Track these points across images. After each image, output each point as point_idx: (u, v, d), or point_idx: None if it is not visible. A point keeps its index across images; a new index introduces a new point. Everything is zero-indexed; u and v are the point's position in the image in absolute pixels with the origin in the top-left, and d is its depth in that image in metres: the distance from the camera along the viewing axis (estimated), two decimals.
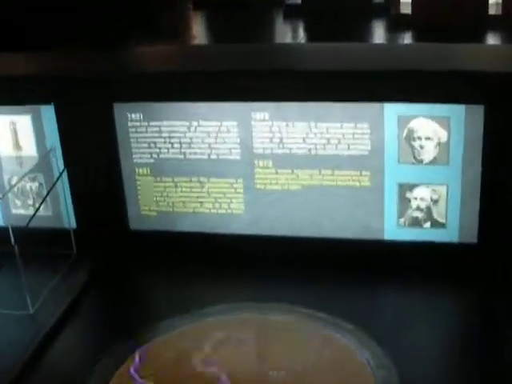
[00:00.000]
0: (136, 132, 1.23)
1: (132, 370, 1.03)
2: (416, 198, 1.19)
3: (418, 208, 1.19)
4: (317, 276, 1.21)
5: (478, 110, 1.12)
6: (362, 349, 1.04)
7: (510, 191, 1.14)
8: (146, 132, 1.23)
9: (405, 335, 1.08)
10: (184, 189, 1.26)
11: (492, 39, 4.22)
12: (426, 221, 1.20)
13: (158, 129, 1.22)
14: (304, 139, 1.19)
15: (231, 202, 1.25)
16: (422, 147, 1.16)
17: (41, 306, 1.18)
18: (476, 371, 1.01)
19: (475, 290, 1.17)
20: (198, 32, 3.97)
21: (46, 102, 1.25)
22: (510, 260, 1.16)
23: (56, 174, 1.27)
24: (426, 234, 1.20)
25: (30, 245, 1.13)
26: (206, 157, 1.23)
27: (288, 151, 1.20)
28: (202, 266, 1.25)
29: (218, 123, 1.21)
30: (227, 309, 1.13)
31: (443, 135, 1.14)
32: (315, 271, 1.21)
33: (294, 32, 5.04)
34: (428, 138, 1.15)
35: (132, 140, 1.24)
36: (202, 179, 1.25)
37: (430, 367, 1.02)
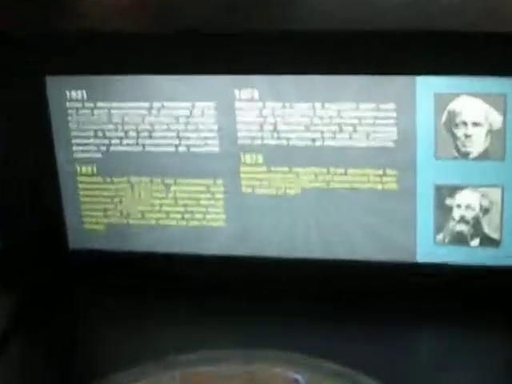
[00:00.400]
0: (77, 115, 1.02)
1: None
2: (460, 206, 0.98)
3: (463, 219, 0.99)
4: (322, 313, 1.00)
5: None
6: None
7: None
8: (92, 116, 1.02)
9: None
10: (143, 193, 1.05)
11: None
12: (473, 237, 0.99)
13: (107, 111, 1.01)
14: (307, 126, 0.98)
15: (207, 212, 1.04)
16: (467, 136, 0.95)
17: None
18: None
19: None
20: None
21: None
22: None
23: None
24: (473, 254, 1.00)
25: None
26: (172, 149, 1.02)
27: (285, 142, 0.99)
28: (168, 299, 1.05)
29: (190, 104, 1.00)
30: (202, 359, 0.91)
31: (497, 120, 0.93)
32: (320, 306, 1.01)
33: None
34: (476, 124, 0.95)
35: (72, 127, 1.03)
36: (167, 180, 1.04)
37: None
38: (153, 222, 1.06)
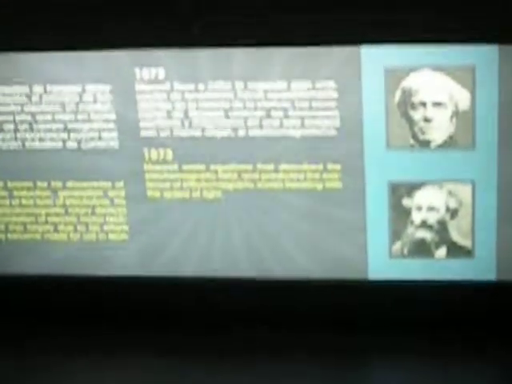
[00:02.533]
0: None
1: None
2: (420, 208, 0.85)
3: (425, 224, 0.85)
4: (257, 348, 0.84)
5: None
6: None
7: None
8: None
9: None
10: (24, 201, 0.90)
11: None
12: (438, 246, 0.85)
13: None
14: (226, 111, 0.83)
15: (106, 223, 0.88)
16: (427, 120, 0.84)
17: None
18: None
19: None
20: None
21: None
22: None
23: None
24: (438, 268, 0.86)
25: None
26: (59, 145, 0.87)
27: (199, 133, 0.85)
28: (60, 336, 0.88)
29: (79, 87, 0.85)
30: None
31: (464, 98, 0.81)
32: (254, 338, 0.86)
33: None
34: (438, 105, 0.83)
35: None
36: (54, 184, 0.89)
37: None
38: (37, 237, 0.91)
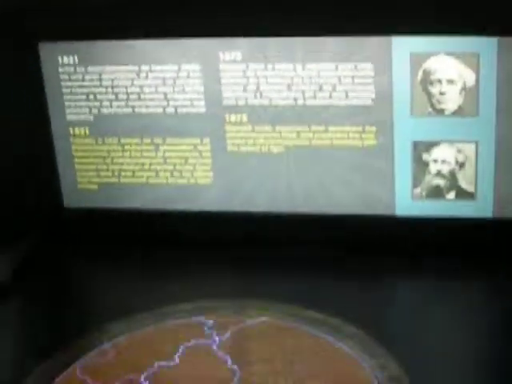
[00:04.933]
0: (70, 80, 1.06)
1: None
2: (436, 161, 1.02)
3: (439, 174, 1.03)
4: (307, 263, 1.05)
5: None
6: (365, 355, 0.88)
7: None
8: (83, 80, 1.06)
9: (419, 341, 0.92)
10: (133, 153, 1.08)
11: None
12: (449, 190, 1.03)
13: (97, 76, 1.06)
14: (288, 86, 1.02)
15: (195, 170, 1.06)
16: (442, 94, 1.00)
17: None
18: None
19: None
20: None
21: None
22: None
23: None
24: (449, 207, 1.04)
25: None
26: (160, 110, 1.05)
27: (267, 102, 1.03)
28: (159, 254, 1.08)
29: (176, 67, 1.03)
30: (193, 309, 0.95)
31: (470, 77, 0.98)
32: (305, 257, 1.06)
33: None
34: (451, 82, 0.99)
35: (65, 91, 1.08)
36: (156, 140, 1.07)
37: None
38: (143, 180, 1.08)
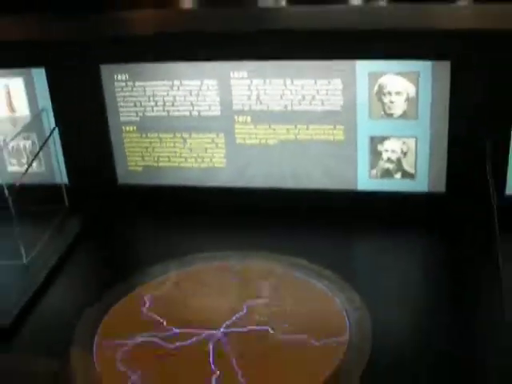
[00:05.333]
0: (122, 91, 1.23)
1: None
2: (387, 151, 1.19)
3: (389, 160, 1.19)
4: (295, 225, 1.22)
5: (445, 66, 1.11)
6: (338, 293, 1.04)
7: (474, 144, 1.13)
8: (132, 91, 1.23)
9: (377, 279, 1.08)
10: (168, 144, 1.26)
11: None
12: (396, 172, 1.20)
13: (142, 88, 1.22)
14: (281, 96, 1.19)
15: (213, 157, 1.25)
16: (391, 102, 1.16)
17: (34, 257, 1.18)
18: (439, 310, 1.02)
19: (443, 236, 1.17)
20: None
21: (37, 65, 1.25)
22: (475, 208, 1.15)
23: (48, 134, 1.27)
24: (396, 184, 1.21)
25: (25, 200, 1.15)
26: (188, 113, 1.23)
27: (266, 107, 1.20)
28: (187, 217, 1.26)
29: (199, 82, 1.21)
30: (211, 256, 1.14)
31: (412, 90, 1.14)
32: (293, 221, 1.22)
33: None
34: (398, 93, 1.15)
35: (119, 99, 1.24)
36: (184, 135, 1.25)
37: (398, 309, 1.03)
38: (175, 164, 1.27)
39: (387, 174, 1.20)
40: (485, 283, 1.05)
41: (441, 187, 1.18)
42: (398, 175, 1.20)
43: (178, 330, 0.99)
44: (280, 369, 0.93)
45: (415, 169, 1.18)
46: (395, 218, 1.20)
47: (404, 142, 1.17)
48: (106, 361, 0.96)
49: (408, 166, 1.18)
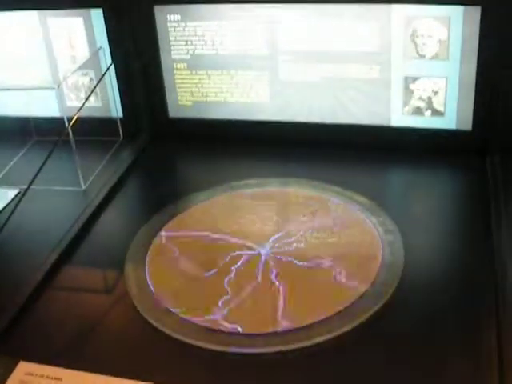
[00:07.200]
0: (174, 31, 1.28)
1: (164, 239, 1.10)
2: (419, 89, 1.22)
3: (420, 98, 1.22)
4: (333, 157, 1.26)
5: (476, 11, 1.13)
6: (372, 217, 1.09)
7: (501, 86, 1.16)
8: (183, 31, 1.27)
9: (410, 207, 1.13)
10: (216, 81, 1.31)
11: None
12: (427, 109, 1.23)
13: (193, 28, 1.26)
14: (322, 38, 1.22)
15: (258, 92, 1.30)
16: (424, 44, 1.18)
17: (92, 183, 1.25)
18: (469, 238, 1.06)
19: (471, 170, 1.21)
20: None
21: (95, 6, 1.30)
22: (501, 146, 1.20)
23: (104, 71, 1.32)
24: (426, 121, 1.24)
25: (83, 132, 1.21)
26: (235, 52, 1.27)
27: (308, 48, 1.24)
28: (233, 149, 1.31)
29: (247, 23, 1.24)
30: (254, 183, 1.20)
31: (443, 33, 1.16)
32: (332, 152, 1.27)
33: None
34: (430, 36, 1.17)
35: (171, 38, 1.29)
36: (231, 72, 1.29)
37: (430, 234, 1.07)
38: (222, 99, 1.32)
39: (418, 111, 1.23)
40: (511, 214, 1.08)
41: (468, 125, 1.21)
42: (428, 113, 1.23)
43: (228, 237, 1.07)
44: (316, 280, 0.99)
45: (444, 107, 1.22)
46: (425, 152, 1.24)
47: (435, 82, 1.20)
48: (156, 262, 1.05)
49: (438, 104, 1.22)
